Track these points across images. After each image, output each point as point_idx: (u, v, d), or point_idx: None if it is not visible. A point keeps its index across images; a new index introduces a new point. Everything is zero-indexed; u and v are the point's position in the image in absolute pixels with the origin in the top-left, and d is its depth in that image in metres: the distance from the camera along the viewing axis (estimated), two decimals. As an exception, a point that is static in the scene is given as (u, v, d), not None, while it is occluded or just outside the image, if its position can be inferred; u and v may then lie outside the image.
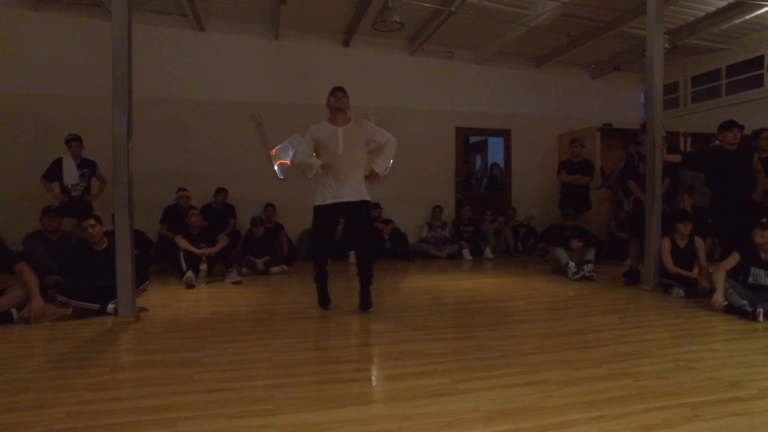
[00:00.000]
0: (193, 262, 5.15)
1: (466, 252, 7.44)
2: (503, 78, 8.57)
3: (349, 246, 3.93)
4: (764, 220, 3.91)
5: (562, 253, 5.67)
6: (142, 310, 3.91)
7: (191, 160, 7.03)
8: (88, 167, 5.53)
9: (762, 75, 7.47)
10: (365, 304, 3.88)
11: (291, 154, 7.57)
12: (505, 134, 8.79)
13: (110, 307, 3.75)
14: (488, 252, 7.48)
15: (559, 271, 5.68)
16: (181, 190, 6.25)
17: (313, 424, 1.93)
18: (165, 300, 4.43)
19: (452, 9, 6.25)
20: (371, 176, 3.78)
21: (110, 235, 4.26)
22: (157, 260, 6.05)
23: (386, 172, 3.72)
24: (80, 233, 4.63)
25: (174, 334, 3.33)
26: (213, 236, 5.56)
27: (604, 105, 8.86)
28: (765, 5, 6.30)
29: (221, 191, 6.72)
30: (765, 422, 1.96)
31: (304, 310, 4.05)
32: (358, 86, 7.70)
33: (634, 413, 2.01)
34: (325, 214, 3.80)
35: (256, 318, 3.82)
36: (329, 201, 3.74)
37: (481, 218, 8.01)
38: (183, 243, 5.25)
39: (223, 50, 7.21)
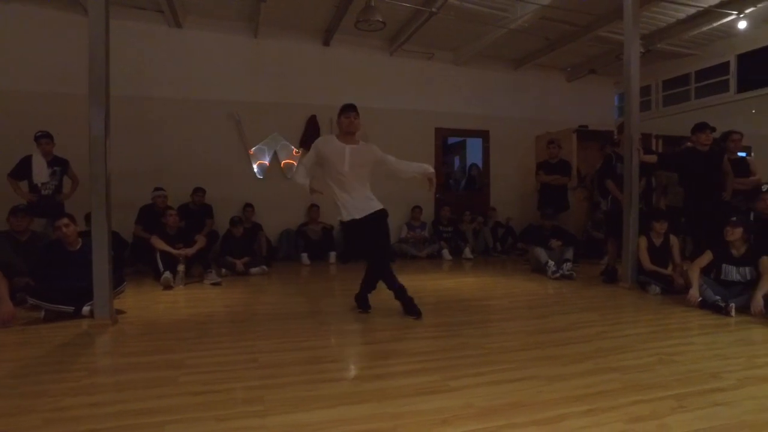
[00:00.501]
0: (171, 263, 5.02)
1: (445, 252, 7.49)
2: (482, 79, 8.65)
3: (365, 253, 3.89)
4: (734, 218, 4.05)
5: (541, 253, 5.76)
6: (119, 312, 3.79)
7: (168, 159, 6.86)
8: (59, 165, 5.33)
9: (728, 80, 7.75)
10: (366, 305, 3.91)
11: (269, 156, 7.49)
12: (483, 135, 8.88)
13: (85, 309, 3.62)
14: (467, 252, 7.54)
15: (539, 269, 5.77)
16: (157, 189, 6.08)
17: (306, 424, 1.90)
18: (142, 302, 4.31)
19: (433, 10, 6.28)
20: (431, 182, 3.85)
21: (84, 235, 4.14)
22: (132, 261, 5.89)
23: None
24: (51, 233, 4.47)
25: (154, 336, 3.23)
26: (190, 236, 5.43)
27: (579, 107, 9.03)
28: (729, 14, 6.55)
29: (199, 191, 6.58)
30: (745, 411, 2.03)
31: (285, 311, 4.00)
32: (338, 86, 7.72)
33: (622, 406, 2.05)
34: (358, 227, 3.69)
35: (238, 319, 3.75)
36: (358, 216, 3.67)
37: (460, 218, 8.07)
38: (159, 244, 5.11)
39: (200, 48, 7.07)
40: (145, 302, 4.31)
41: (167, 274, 4.85)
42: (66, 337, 3.22)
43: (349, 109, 3.68)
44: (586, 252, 7.03)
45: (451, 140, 9.97)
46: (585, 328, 3.38)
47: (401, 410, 2.03)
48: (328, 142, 3.73)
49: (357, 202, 3.68)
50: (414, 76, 8.28)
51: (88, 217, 5.06)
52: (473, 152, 9.65)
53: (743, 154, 5.97)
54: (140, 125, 6.68)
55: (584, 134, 8.01)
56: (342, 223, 3.79)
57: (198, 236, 5.52)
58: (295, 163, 7.61)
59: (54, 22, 6.32)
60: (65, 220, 3.94)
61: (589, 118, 8.61)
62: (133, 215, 6.05)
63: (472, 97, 8.63)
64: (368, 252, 3.85)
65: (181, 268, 5.00)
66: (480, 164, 9.05)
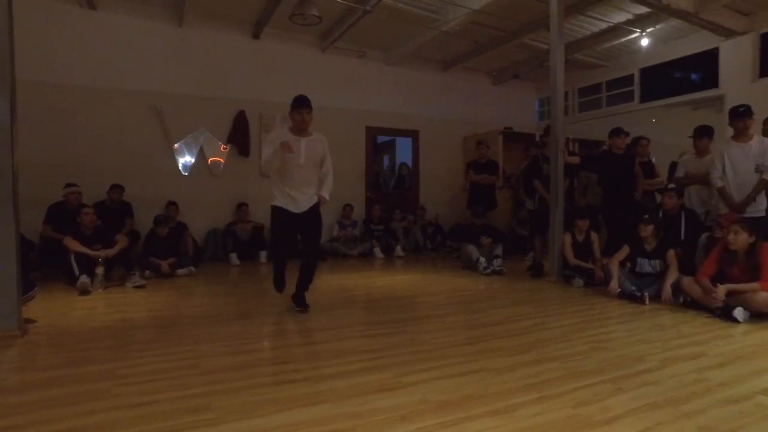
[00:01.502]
0: (88, 265, 4.59)
1: (377, 250, 7.54)
2: (412, 80, 8.80)
3: (298, 250, 4.01)
4: (646, 216, 4.44)
5: (473, 250, 5.96)
6: (29, 321, 3.39)
7: (81, 153, 6.27)
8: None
9: (633, 91, 8.50)
10: (304, 303, 3.86)
11: (195, 152, 7.09)
12: (413, 135, 9.04)
13: (-15, 320, 3.20)
14: (399, 250, 7.65)
15: (470, 266, 5.97)
16: (69, 185, 5.52)
17: (263, 430, 1.82)
18: (55, 309, 3.90)
19: (367, 8, 6.28)
20: (320, 202, 3.86)
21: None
22: (39, 265, 5.31)
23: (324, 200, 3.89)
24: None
25: (74, 346, 2.93)
26: (110, 237, 5.00)
27: (503, 110, 9.47)
28: (634, 31, 7.22)
29: (116, 188, 6.08)
30: (669, 388, 2.24)
31: (219, 313, 3.81)
32: (267, 81, 7.51)
33: (568, 392, 2.16)
34: (286, 216, 3.76)
35: (168, 323, 3.51)
36: (290, 209, 3.74)
37: (391, 217, 8.15)
38: (74, 245, 4.65)
39: (118, 33, 6.52)
40: (59, 309, 3.91)
41: (84, 278, 4.42)
42: (-38, 353, 2.83)
43: (301, 105, 3.64)
44: (512, 248, 7.39)
45: (381, 139, 10.05)
46: (521, 320, 3.55)
47: (358, 409, 2.00)
48: (281, 137, 3.66)
49: (299, 202, 3.74)
50: (345, 74, 8.24)
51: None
52: (403, 151, 9.79)
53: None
54: (49, 114, 6.07)
55: (509, 136, 8.42)
56: (274, 207, 3.79)
57: (119, 236, 5.10)
58: (222, 161, 7.31)
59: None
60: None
61: (513, 120, 9.06)
62: (39, 214, 5.45)
63: (403, 96, 8.75)
64: (301, 248, 3.94)
65: (100, 270, 4.58)
66: (410, 163, 9.20)
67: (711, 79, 7.32)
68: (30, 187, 5.53)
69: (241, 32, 7.33)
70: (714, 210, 4.69)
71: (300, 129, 3.70)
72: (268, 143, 3.77)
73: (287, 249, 4.02)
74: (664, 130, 8.47)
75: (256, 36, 7.39)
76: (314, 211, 3.83)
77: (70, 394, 2.17)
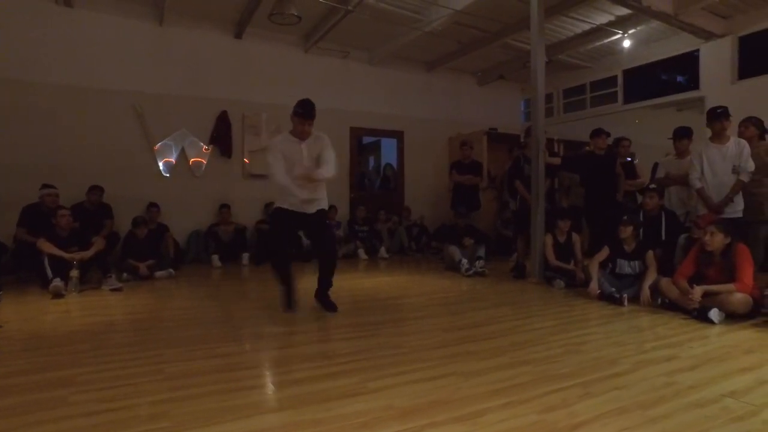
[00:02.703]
0: (62, 268, 4.48)
1: (361, 251, 7.50)
2: (396, 80, 8.76)
3: (315, 253, 4.27)
4: (626, 217, 4.43)
5: (455, 251, 5.94)
6: (-5, 326, 3.32)
7: (58, 154, 6.15)
8: None
9: (616, 92, 8.53)
10: (331, 306, 3.90)
11: (176, 153, 7.00)
12: (398, 135, 9.00)
13: (-50, 324, 3.13)
14: (383, 251, 7.62)
15: (453, 267, 5.94)
16: (46, 186, 5.39)
17: (220, 438, 1.77)
18: (25, 313, 3.81)
19: (349, 8, 6.24)
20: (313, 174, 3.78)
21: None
22: (13, 269, 5.19)
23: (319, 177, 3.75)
24: None
25: (40, 351, 2.86)
26: (87, 239, 4.90)
27: (489, 111, 9.47)
28: (616, 32, 7.24)
29: (95, 189, 5.97)
30: (640, 392, 2.22)
31: (195, 316, 3.75)
32: (250, 81, 7.46)
33: (537, 397, 2.13)
34: (287, 217, 3.81)
35: (141, 327, 3.45)
36: (293, 208, 3.78)
37: (375, 218, 8.11)
38: (48, 247, 4.54)
39: (95, 31, 6.42)
40: (30, 313, 3.82)
41: (57, 281, 4.31)
42: None
43: (304, 115, 3.67)
44: (496, 249, 7.38)
45: (365, 140, 10.01)
46: (499, 323, 3.52)
47: (320, 416, 1.96)
48: (284, 140, 3.78)
49: (305, 203, 3.76)
50: (329, 74, 8.19)
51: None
52: (388, 152, 9.75)
53: (628, 159, 6.59)
54: (25, 114, 5.96)
55: (494, 136, 8.42)
56: (276, 209, 3.85)
57: (95, 238, 5.00)
58: (204, 162, 7.23)
59: None
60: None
61: (498, 121, 9.06)
62: (11, 216, 5.35)
63: (387, 97, 8.71)
64: (319, 251, 4.02)
65: (74, 273, 4.46)
66: (395, 164, 9.16)
67: (692, 81, 7.36)
68: (4, 188, 5.48)
69: (223, 31, 7.26)
70: (693, 211, 4.70)
71: (302, 132, 3.76)
72: (272, 152, 3.77)
73: (288, 248, 4.05)
74: (648, 131, 8.53)
75: (238, 36, 7.33)
76: (321, 213, 3.89)
77: (25, 403, 2.10)
